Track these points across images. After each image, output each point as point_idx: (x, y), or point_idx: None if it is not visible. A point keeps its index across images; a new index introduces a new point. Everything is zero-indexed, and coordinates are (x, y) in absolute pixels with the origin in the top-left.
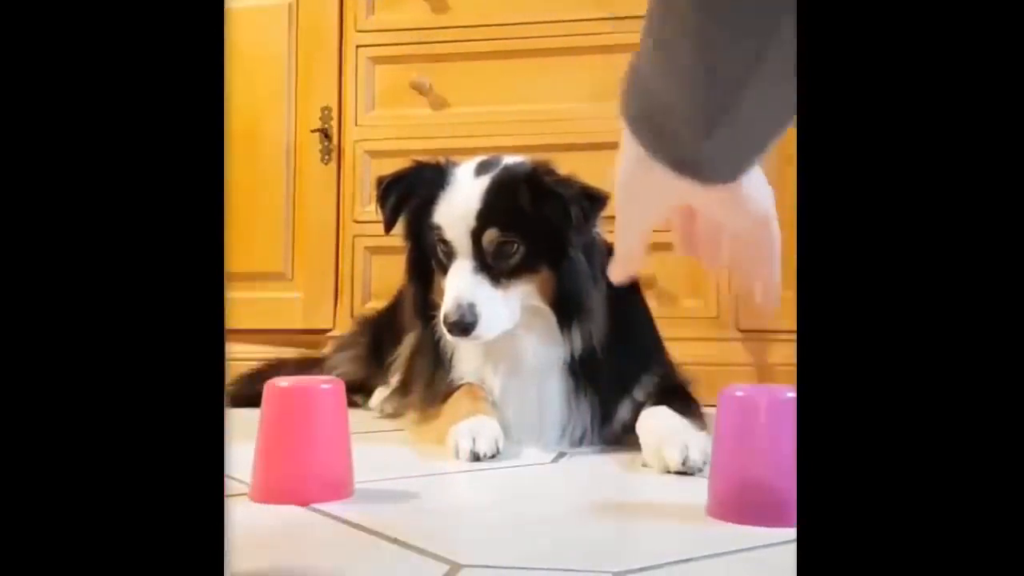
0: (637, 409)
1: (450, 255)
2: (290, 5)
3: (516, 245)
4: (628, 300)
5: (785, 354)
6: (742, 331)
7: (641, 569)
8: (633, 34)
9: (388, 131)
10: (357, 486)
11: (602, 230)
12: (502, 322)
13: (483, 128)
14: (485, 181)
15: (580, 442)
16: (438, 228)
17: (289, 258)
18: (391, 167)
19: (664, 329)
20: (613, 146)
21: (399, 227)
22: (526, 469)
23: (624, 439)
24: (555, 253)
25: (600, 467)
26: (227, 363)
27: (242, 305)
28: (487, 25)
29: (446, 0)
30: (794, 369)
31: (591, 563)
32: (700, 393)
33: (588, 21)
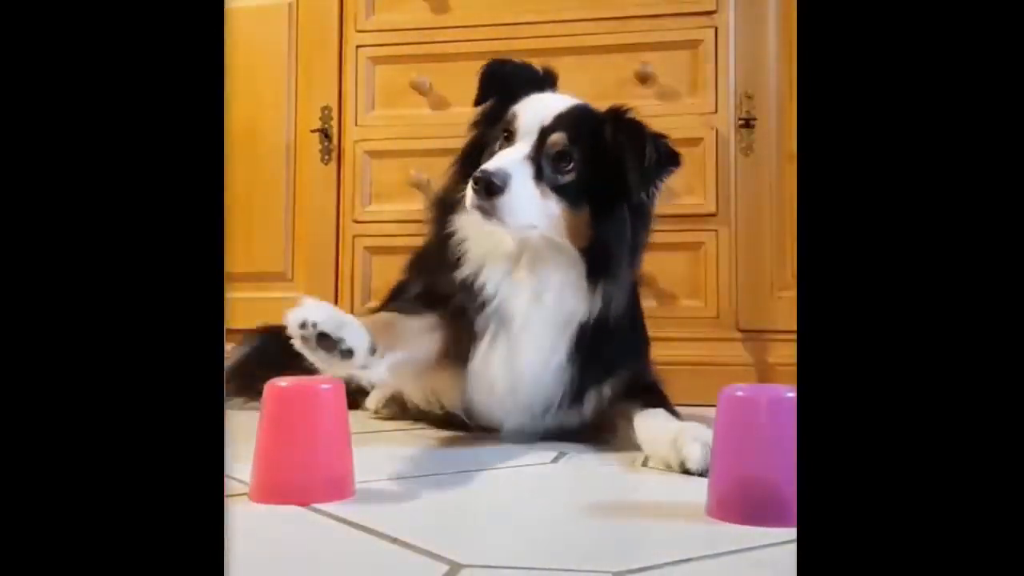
0: (601, 403)
1: (509, 139)
2: (290, 5)
3: (573, 164)
4: (633, 294)
5: (785, 354)
6: (742, 331)
7: (641, 569)
8: (633, 34)
9: (388, 131)
10: (357, 486)
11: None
12: (528, 214)
13: None
14: (575, 100)
15: (543, 415)
16: (513, 115)
17: (289, 258)
18: (391, 167)
19: (664, 329)
20: None
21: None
22: (526, 469)
23: (583, 432)
24: (604, 199)
25: (600, 467)
26: (227, 363)
27: (242, 305)
28: (487, 25)
29: (446, 0)
30: (794, 369)
31: (591, 563)
32: (700, 393)
33: (588, 21)
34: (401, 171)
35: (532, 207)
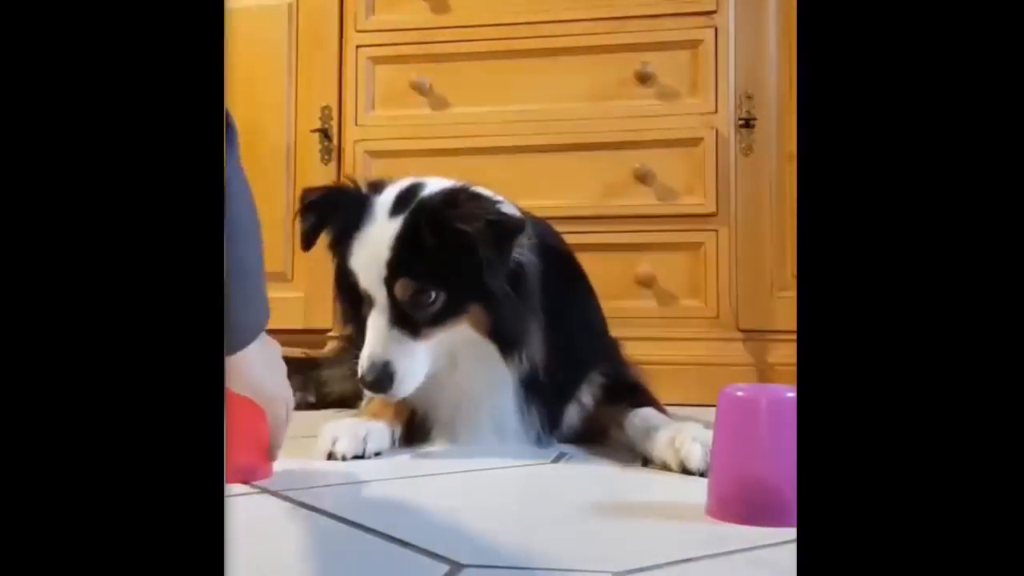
0: (585, 412)
1: (368, 303)
2: (290, 5)
3: (434, 294)
4: (570, 306)
5: (785, 354)
6: (742, 331)
7: (641, 569)
8: (633, 34)
9: (388, 131)
10: (357, 486)
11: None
12: (421, 375)
13: (483, 128)
14: (397, 224)
15: (537, 442)
16: (353, 275)
17: (289, 258)
18: (391, 167)
19: (664, 329)
20: (613, 146)
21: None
22: (526, 469)
23: (575, 440)
24: (483, 290)
25: (600, 467)
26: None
27: None
28: (487, 25)
29: (446, 0)
30: (794, 369)
31: (591, 563)
32: (700, 393)
33: (588, 21)
34: (401, 171)
35: (423, 366)
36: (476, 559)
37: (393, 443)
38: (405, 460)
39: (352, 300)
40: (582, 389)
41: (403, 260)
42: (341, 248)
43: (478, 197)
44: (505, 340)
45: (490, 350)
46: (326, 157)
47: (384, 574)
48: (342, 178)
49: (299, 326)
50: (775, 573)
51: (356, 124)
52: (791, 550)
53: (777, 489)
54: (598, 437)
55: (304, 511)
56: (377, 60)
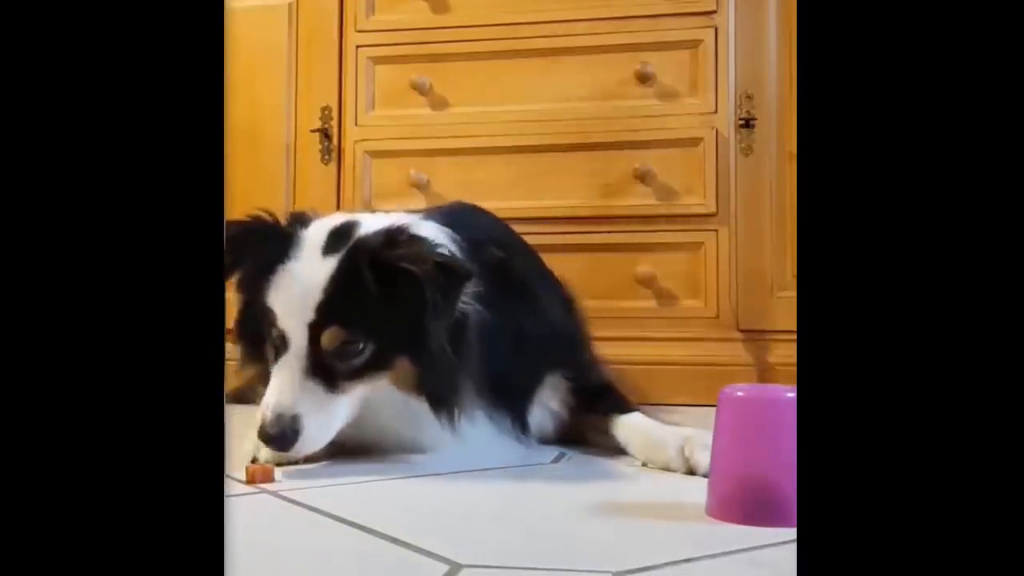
0: (557, 419)
1: (282, 346)
2: (290, 5)
3: (363, 345)
4: (523, 310)
5: (785, 354)
6: (742, 331)
7: (641, 569)
8: (633, 34)
9: (388, 131)
10: (357, 486)
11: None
12: (331, 433)
13: (483, 128)
14: (331, 264)
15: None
16: (271, 313)
17: None
18: (391, 167)
19: (664, 329)
20: (613, 146)
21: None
22: (526, 469)
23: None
24: (414, 342)
25: (600, 467)
26: (227, 363)
27: None
28: (487, 25)
29: (446, 0)
30: (794, 369)
31: (591, 563)
32: (700, 393)
33: (588, 21)
34: (401, 171)
35: (335, 422)
36: (476, 559)
37: (326, 450)
38: (405, 460)
39: (257, 340)
40: (543, 393)
41: (336, 305)
42: (254, 284)
43: (420, 239)
44: (433, 398)
45: (421, 409)
46: (326, 157)
47: (384, 574)
48: (257, 211)
49: None
50: (775, 573)
51: (356, 124)
52: (791, 550)
53: (777, 489)
54: (580, 441)
55: (304, 511)
56: (377, 60)
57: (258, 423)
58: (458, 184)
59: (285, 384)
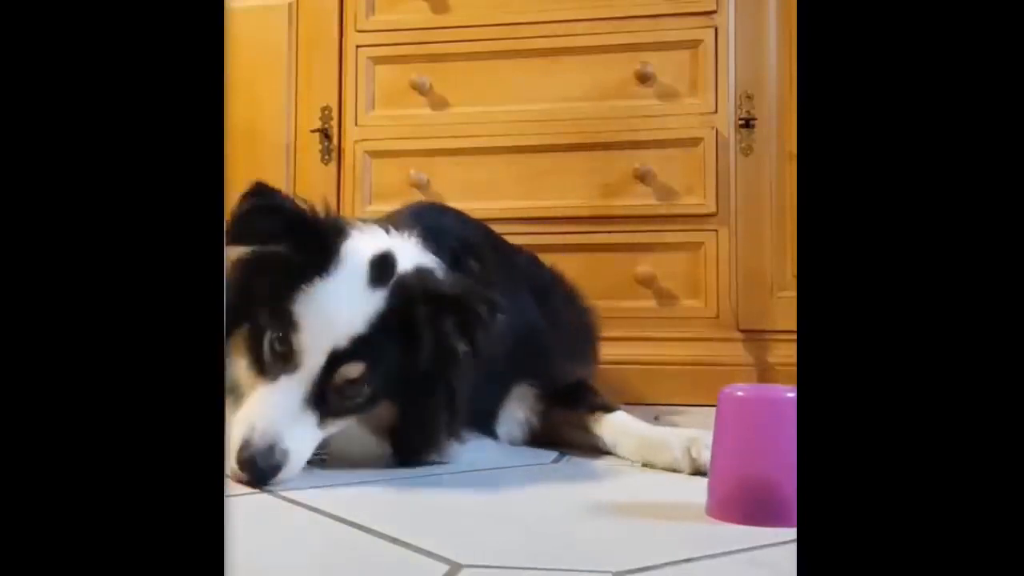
0: (524, 426)
1: (285, 361)
2: (290, 5)
3: (370, 387)
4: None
5: (785, 354)
6: (742, 331)
7: (641, 569)
8: (633, 34)
9: (388, 131)
10: (356, 485)
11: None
12: (304, 461)
13: (483, 128)
14: (378, 299)
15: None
16: (292, 324)
17: None
18: (391, 167)
19: (664, 329)
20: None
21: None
22: (526, 469)
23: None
24: (411, 385)
25: (600, 467)
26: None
27: None
28: (487, 25)
29: (446, 0)
30: (794, 369)
31: (591, 563)
32: (700, 393)
33: (588, 21)
34: (401, 171)
35: (308, 455)
36: (476, 559)
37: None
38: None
39: (256, 343)
40: (510, 405)
41: (372, 342)
42: (277, 276)
43: (442, 279)
44: (402, 445)
45: (378, 458)
46: (326, 157)
47: (384, 574)
48: (302, 201)
49: None
50: (775, 573)
51: (356, 124)
52: (791, 550)
53: (777, 489)
54: (557, 442)
55: (304, 511)
56: (377, 60)
57: (236, 443)
58: (458, 184)
59: (275, 407)
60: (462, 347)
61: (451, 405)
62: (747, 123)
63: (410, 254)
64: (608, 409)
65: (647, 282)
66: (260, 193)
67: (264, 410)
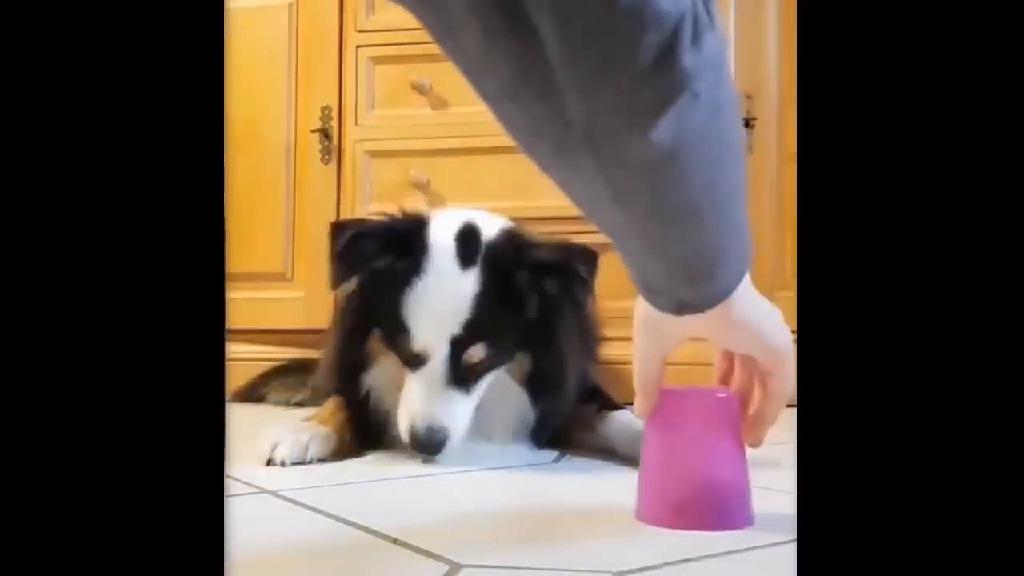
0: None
1: (418, 360)
2: (290, 5)
3: (499, 352)
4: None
5: None
6: None
7: (641, 569)
8: None
9: (388, 131)
10: (356, 486)
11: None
12: (466, 427)
13: (483, 128)
14: (473, 278)
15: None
16: (406, 333)
17: (289, 258)
18: (391, 167)
19: None
20: None
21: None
22: (526, 469)
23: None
24: (539, 339)
25: (600, 467)
26: (227, 363)
27: (242, 305)
28: None
29: None
30: None
31: (591, 563)
32: None
33: None
34: (401, 171)
35: (469, 415)
36: (476, 559)
37: (340, 450)
38: (404, 460)
39: (392, 344)
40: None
41: (483, 321)
42: (380, 294)
43: (530, 236)
44: (542, 387)
45: (516, 400)
46: (326, 157)
47: (384, 574)
48: (387, 210)
49: (299, 326)
50: (775, 573)
51: (356, 124)
52: (791, 550)
53: (717, 492)
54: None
55: (304, 511)
56: (377, 60)
57: (405, 431)
58: (458, 184)
59: (427, 396)
60: (567, 305)
61: (570, 345)
62: (747, 123)
63: (488, 218)
64: (613, 408)
65: None
66: (342, 228)
67: (416, 397)
